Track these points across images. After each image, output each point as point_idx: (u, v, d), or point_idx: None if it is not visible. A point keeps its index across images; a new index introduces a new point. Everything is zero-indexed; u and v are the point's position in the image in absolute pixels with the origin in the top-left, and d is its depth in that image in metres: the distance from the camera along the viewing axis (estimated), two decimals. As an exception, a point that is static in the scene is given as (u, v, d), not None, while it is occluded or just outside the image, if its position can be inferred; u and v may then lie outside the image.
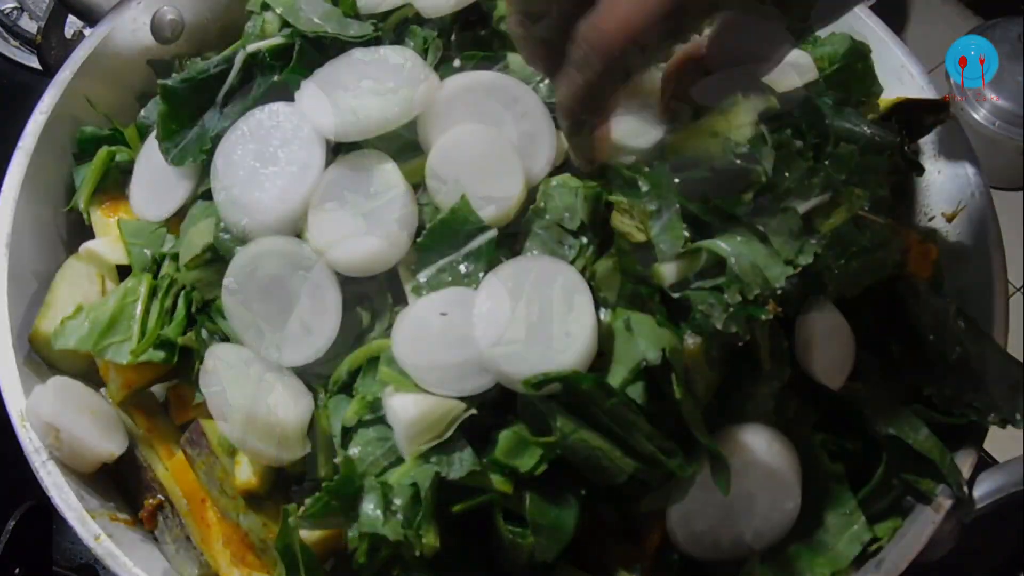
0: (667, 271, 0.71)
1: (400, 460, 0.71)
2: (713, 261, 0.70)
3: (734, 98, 0.73)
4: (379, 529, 0.68)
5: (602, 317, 0.72)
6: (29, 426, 0.80)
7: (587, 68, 0.63)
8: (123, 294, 0.84)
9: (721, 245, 0.70)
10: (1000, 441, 0.79)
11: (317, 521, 0.70)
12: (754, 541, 0.78)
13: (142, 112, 0.95)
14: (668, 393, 0.69)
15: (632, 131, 0.76)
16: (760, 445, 0.76)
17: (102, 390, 0.87)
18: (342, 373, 0.77)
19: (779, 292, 0.69)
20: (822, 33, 1.02)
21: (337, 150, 0.80)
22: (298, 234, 0.79)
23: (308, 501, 0.71)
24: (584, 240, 0.74)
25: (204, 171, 0.85)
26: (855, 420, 0.80)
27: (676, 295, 0.71)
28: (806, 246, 0.71)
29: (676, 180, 0.72)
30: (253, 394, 0.75)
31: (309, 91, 0.80)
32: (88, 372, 0.88)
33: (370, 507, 0.69)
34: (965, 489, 0.78)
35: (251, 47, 0.84)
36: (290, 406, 0.76)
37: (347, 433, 0.74)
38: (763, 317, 0.69)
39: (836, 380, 0.79)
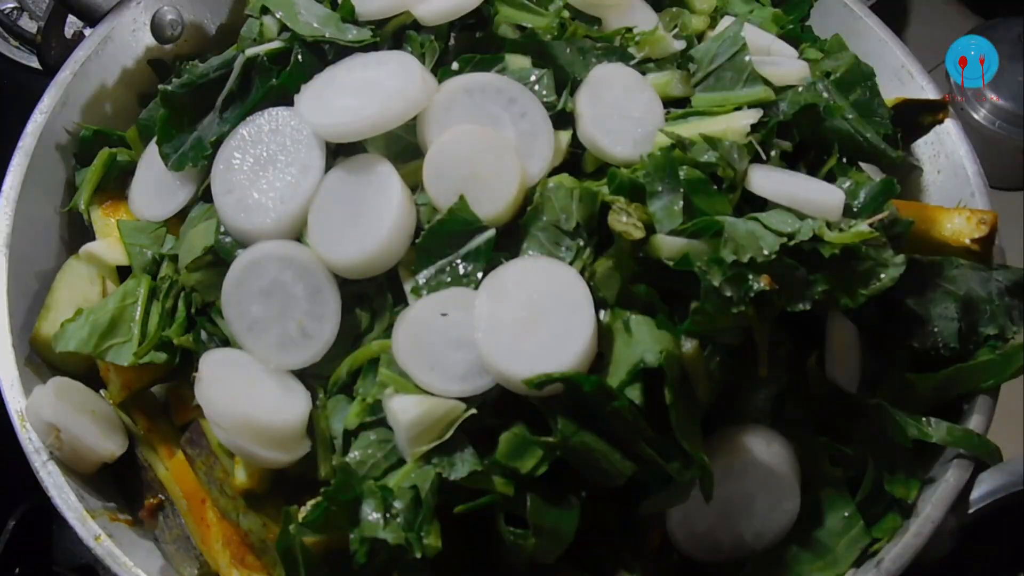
0: (666, 242, 0.72)
1: (401, 462, 0.71)
2: (710, 234, 0.71)
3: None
4: (379, 533, 0.68)
5: (601, 318, 0.72)
6: (29, 426, 0.80)
7: None
8: (122, 296, 0.84)
9: (718, 217, 0.71)
10: (1000, 441, 0.79)
11: (318, 527, 0.70)
12: (754, 542, 0.78)
13: (143, 113, 0.95)
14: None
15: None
16: (759, 446, 0.76)
17: (102, 391, 0.87)
18: (342, 374, 0.77)
19: (772, 256, 0.69)
20: (822, 33, 1.01)
21: (337, 153, 0.80)
22: (298, 237, 0.79)
23: (309, 506, 0.71)
24: (580, 241, 0.74)
25: (205, 173, 0.84)
26: (861, 424, 0.80)
27: (672, 263, 0.71)
28: (804, 226, 0.72)
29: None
30: (248, 398, 0.75)
31: (308, 95, 0.80)
32: (89, 373, 0.88)
33: (369, 512, 0.69)
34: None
35: (250, 51, 0.84)
36: (286, 408, 0.76)
37: (348, 436, 0.74)
38: (755, 287, 0.69)
39: (853, 384, 0.79)
